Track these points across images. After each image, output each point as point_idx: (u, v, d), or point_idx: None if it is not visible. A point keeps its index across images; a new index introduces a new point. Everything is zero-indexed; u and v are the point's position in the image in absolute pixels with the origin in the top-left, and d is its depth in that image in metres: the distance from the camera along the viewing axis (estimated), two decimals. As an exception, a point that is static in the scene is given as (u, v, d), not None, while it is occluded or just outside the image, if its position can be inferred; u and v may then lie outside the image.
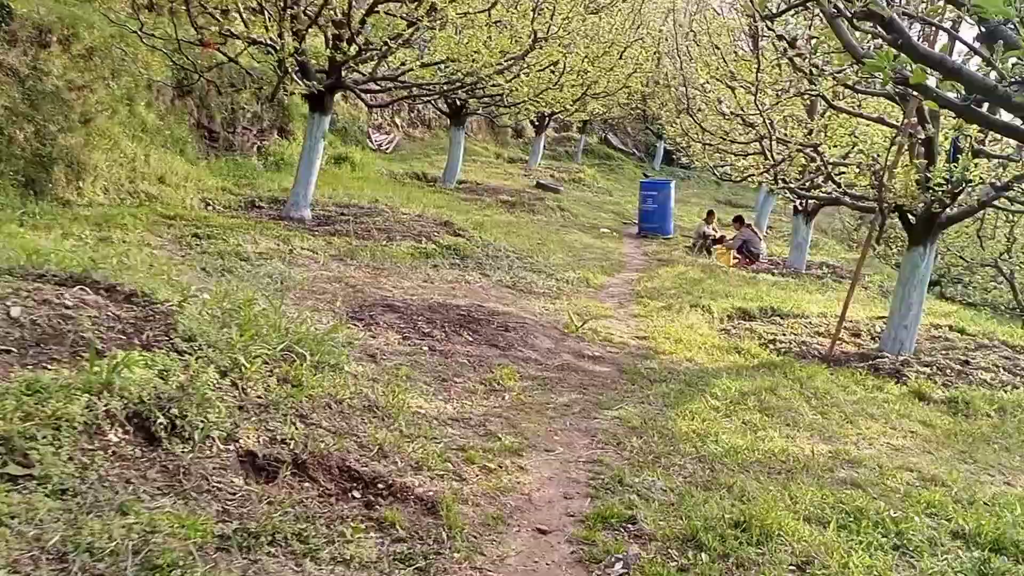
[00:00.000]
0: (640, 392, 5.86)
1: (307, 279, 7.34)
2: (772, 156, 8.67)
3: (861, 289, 13.90)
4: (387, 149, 21.82)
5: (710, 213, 16.82)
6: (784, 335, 9.02)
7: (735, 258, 15.79)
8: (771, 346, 8.43)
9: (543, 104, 18.69)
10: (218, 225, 8.90)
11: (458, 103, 17.18)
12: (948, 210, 7.82)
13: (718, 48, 10.50)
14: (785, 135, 8.29)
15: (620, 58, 22.70)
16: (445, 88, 10.62)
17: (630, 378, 6.21)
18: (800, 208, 15.10)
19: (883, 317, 10.28)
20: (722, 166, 14.96)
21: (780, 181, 9.80)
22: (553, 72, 16.60)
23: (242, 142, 15.36)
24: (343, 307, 6.56)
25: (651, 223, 17.14)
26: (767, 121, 7.76)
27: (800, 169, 10.57)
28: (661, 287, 10.98)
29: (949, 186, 7.18)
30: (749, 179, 12.55)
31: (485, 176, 21.00)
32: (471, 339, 6.44)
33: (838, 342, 8.92)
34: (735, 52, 10.81)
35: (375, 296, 7.21)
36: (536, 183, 21.33)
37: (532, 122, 24.49)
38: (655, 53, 28.21)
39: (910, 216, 7.88)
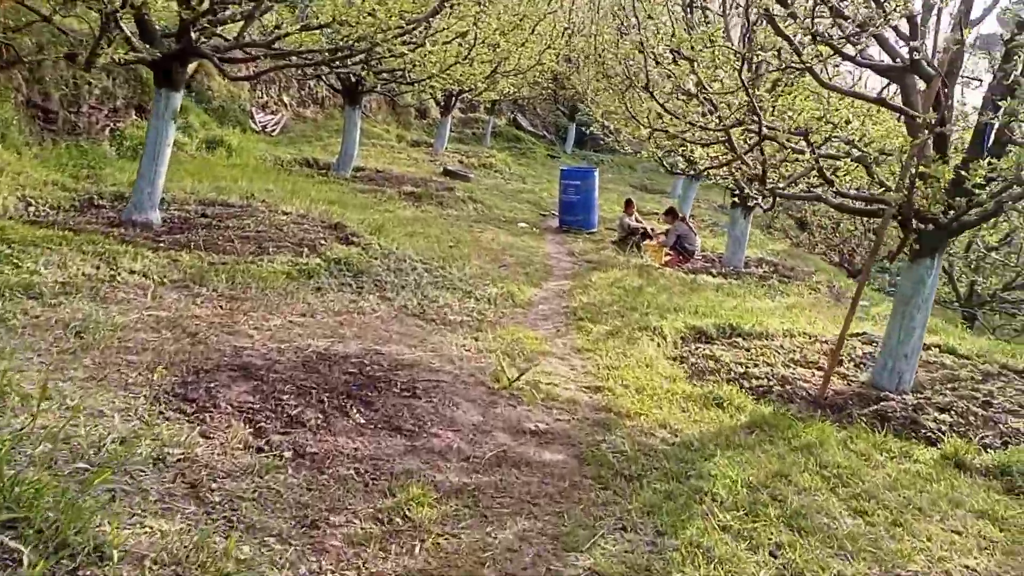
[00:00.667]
0: (615, 505, 3.97)
1: (122, 326, 5.10)
2: (739, 147, 6.97)
3: (810, 292, 12.53)
4: (273, 131, 19.24)
5: (628, 203, 15.15)
6: (755, 365, 7.35)
7: (668, 254, 14.22)
8: (747, 384, 6.73)
9: (451, 81, 16.58)
10: (17, 239, 6.48)
11: (353, 79, 14.87)
12: (966, 215, 6.25)
13: (672, 13, 8.69)
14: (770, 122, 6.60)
15: (532, 32, 20.81)
16: (331, 58, 8.40)
17: (595, 473, 4.31)
18: (739, 201, 13.61)
19: (860, 334, 8.79)
20: (669, 155, 13.24)
21: (747, 179, 8.05)
22: (462, 45, 14.53)
23: (89, 124, 12.68)
24: (167, 378, 4.39)
25: (574, 216, 15.35)
26: (750, 102, 5.98)
27: (767, 162, 8.85)
28: (599, 302, 9.16)
29: (991, 185, 5.60)
30: (708, 173, 10.85)
31: (387, 162, 18.74)
32: (363, 421, 4.40)
33: (822, 374, 7.31)
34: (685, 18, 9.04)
35: (224, 350, 5.05)
36: (444, 169, 19.24)
37: (437, 102, 22.31)
38: (566, 29, 26.48)
39: (923, 223, 6.27)
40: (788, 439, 5.29)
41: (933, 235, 6.40)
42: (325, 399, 4.53)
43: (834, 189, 6.53)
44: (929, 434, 5.83)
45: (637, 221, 14.77)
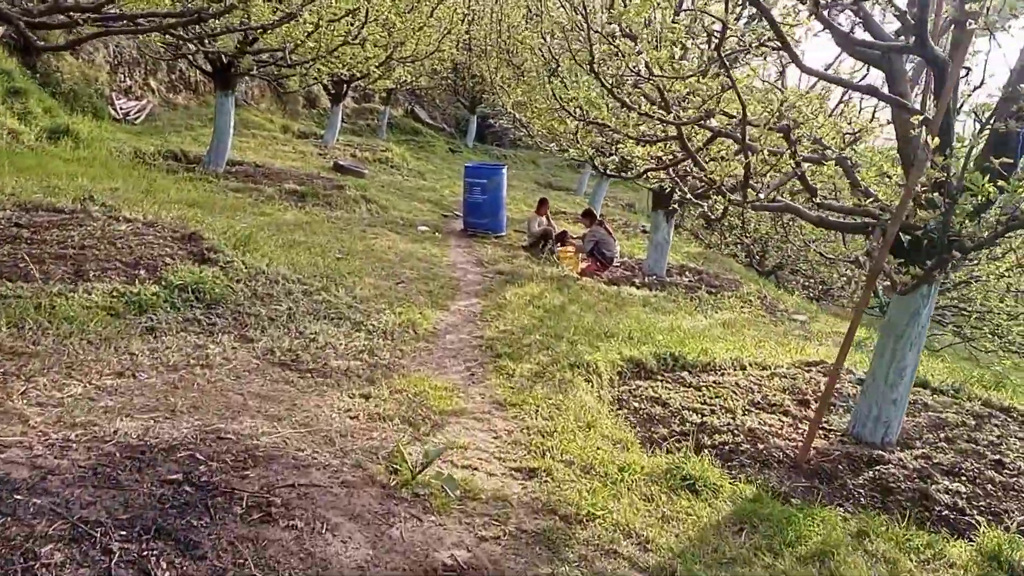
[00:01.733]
0: None
1: None
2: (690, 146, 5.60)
3: (743, 305, 11.45)
4: (137, 119, 16.83)
5: (542, 202, 13.71)
6: (712, 411, 6.03)
7: (584, 260, 12.90)
8: (709, 441, 5.38)
9: (340, 65, 14.73)
10: None
11: (224, 60, 12.81)
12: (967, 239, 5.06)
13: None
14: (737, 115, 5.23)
15: (431, 16, 19.14)
16: (176, 22, 6.52)
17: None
18: (660, 204, 12.41)
19: (818, 364, 7.63)
20: (599, 154, 11.80)
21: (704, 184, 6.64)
22: (351, 24, 12.72)
23: None
24: None
25: (480, 218, 13.80)
26: (719, 89, 4.59)
27: (750, 167, 7.59)
28: (518, 328, 7.66)
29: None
30: (647, 177, 9.49)
31: (268, 155, 16.66)
32: (175, 585, 2.73)
33: (790, 421, 6.06)
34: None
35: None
36: (334, 164, 17.33)
37: (327, 89, 20.29)
38: (466, 16, 24.93)
39: (928, 243, 5.05)
40: (791, 543, 3.92)
41: (928, 255, 5.19)
42: (115, 547, 2.82)
43: (816, 200, 5.23)
44: (947, 513, 4.60)
45: (550, 223, 13.36)
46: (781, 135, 4.96)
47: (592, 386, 6.23)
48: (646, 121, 6.92)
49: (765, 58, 7.96)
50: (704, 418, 5.86)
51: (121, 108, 16.66)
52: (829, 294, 20.16)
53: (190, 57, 13.09)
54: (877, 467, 5.12)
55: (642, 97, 7.01)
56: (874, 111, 7.30)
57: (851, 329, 5.04)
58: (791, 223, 18.31)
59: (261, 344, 5.54)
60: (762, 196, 5.61)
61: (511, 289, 9.57)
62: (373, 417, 4.68)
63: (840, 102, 8.18)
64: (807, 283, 20.50)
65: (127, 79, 17.77)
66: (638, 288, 11.50)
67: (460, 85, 29.24)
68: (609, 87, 6.10)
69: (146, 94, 18.23)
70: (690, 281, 12.49)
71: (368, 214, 13.00)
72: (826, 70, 6.46)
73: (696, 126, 5.53)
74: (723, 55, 4.43)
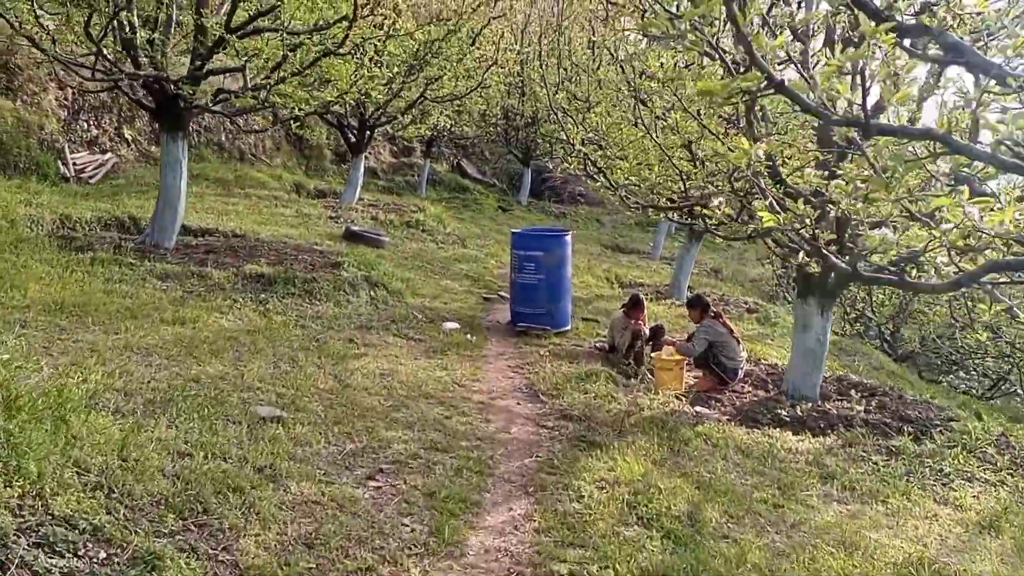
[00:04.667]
0: None
1: None
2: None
3: (985, 466, 6.83)
4: (93, 177, 13.18)
5: (636, 304, 9.13)
6: None
7: (690, 370, 8.50)
8: None
9: (353, 94, 10.72)
10: None
11: (171, 90, 8.95)
12: None
13: None
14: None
15: (473, 44, 15.30)
16: None
17: None
18: (814, 287, 7.96)
19: None
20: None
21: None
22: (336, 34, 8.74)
23: None
24: None
25: (534, 307, 9.50)
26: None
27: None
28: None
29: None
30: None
31: (258, 221, 12.75)
32: None
33: None
34: None
35: None
36: (346, 231, 13.34)
37: (346, 137, 16.49)
38: (519, 53, 21.15)
39: None
40: None
41: None
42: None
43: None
44: None
45: (642, 327, 8.94)
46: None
47: None
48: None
49: None
50: None
51: (75, 164, 13.05)
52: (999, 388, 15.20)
53: (125, 89, 9.29)
54: None
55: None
56: None
57: None
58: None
59: None
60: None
61: (588, 464, 5.19)
62: None
63: None
64: (964, 373, 15.55)
65: (92, 128, 14.23)
66: (791, 429, 7.02)
67: (512, 134, 25.39)
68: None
69: (118, 146, 14.66)
70: (866, 409, 7.89)
71: (369, 307, 8.82)
72: None
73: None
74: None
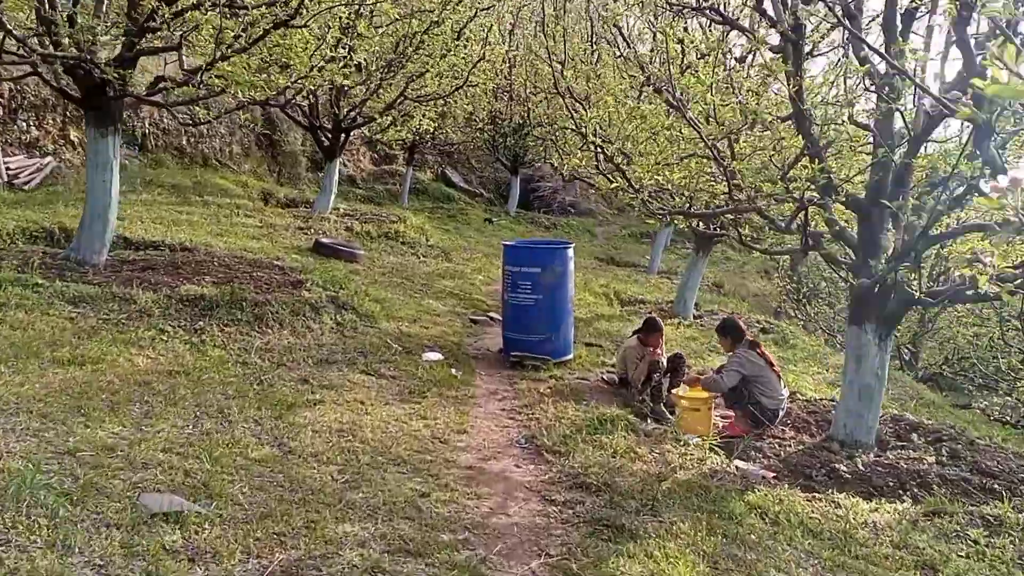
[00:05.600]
0: None
1: None
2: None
3: None
4: (28, 183, 11.64)
5: (651, 327, 7.64)
6: None
7: (724, 418, 7.09)
8: None
9: (314, 80, 9.21)
10: None
11: (97, 75, 7.43)
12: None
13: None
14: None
15: (458, 39, 13.93)
16: None
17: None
18: (870, 312, 6.58)
19: None
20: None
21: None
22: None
23: None
24: None
25: (529, 333, 8.04)
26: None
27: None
28: None
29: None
30: None
31: (215, 232, 11.23)
32: None
33: None
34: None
35: None
36: (315, 243, 11.85)
37: (319, 141, 14.99)
38: (508, 51, 19.85)
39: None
40: None
41: None
42: None
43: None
44: None
45: (659, 359, 7.50)
46: None
47: None
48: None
49: None
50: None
51: (8, 168, 11.50)
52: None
53: (46, 76, 7.78)
54: None
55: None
56: None
57: None
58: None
59: None
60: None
61: (618, 565, 3.74)
62: None
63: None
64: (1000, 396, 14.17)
65: (32, 128, 12.68)
66: (857, 490, 5.61)
67: (499, 140, 23.97)
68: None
69: (62, 150, 13.12)
70: (938, 460, 6.46)
71: (333, 336, 7.32)
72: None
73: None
74: None
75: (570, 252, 8.39)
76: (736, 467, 5.87)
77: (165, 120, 16.04)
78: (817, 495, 5.44)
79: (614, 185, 7.52)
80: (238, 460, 4.11)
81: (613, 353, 9.24)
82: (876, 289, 6.44)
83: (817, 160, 5.68)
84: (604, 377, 7.90)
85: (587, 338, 9.64)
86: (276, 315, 7.21)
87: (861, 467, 6.14)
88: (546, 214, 26.39)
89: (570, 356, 8.36)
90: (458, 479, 4.60)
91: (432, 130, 18.00)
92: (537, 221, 24.81)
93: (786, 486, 5.53)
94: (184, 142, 16.48)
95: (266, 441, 4.47)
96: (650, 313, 8.64)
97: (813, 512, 5.03)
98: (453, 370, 7.10)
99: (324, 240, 11.91)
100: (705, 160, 6.03)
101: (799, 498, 5.18)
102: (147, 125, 15.64)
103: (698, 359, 9.23)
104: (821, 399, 8.24)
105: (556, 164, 14.50)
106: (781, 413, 7.03)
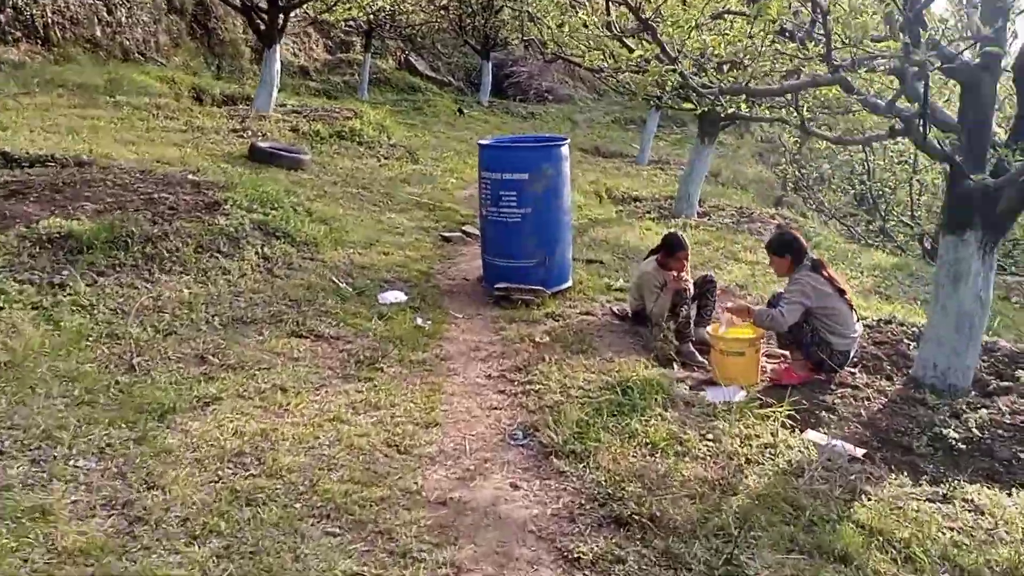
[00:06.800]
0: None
1: None
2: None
3: None
4: None
5: (673, 246, 5.77)
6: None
7: (783, 362, 5.43)
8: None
9: None
10: None
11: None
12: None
13: None
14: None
15: None
16: None
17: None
18: (970, 216, 4.84)
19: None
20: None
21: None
22: None
23: None
24: None
25: (517, 258, 6.22)
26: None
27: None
28: None
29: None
30: None
31: (126, 139, 9.14)
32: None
33: None
34: None
35: None
36: (251, 148, 9.80)
37: (252, 23, 12.60)
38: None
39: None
40: None
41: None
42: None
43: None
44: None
45: (685, 281, 5.74)
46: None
47: None
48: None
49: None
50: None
51: None
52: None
53: None
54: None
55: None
56: None
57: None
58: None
59: None
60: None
61: None
62: None
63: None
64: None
65: None
66: (981, 469, 4.02)
67: (467, 21, 21.35)
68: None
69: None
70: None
71: (257, 278, 5.47)
72: None
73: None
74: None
75: (564, 150, 6.49)
76: (813, 443, 4.23)
77: (72, 6, 13.57)
78: (939, 491, 3.83)
79: (635, 55, 5.50)
80: (43, 537, 2.35)
81: (619, 271, 7.51)
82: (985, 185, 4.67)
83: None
84: (615, 309, 6.17)
85: (584, 253, 7.88)
86: (176, 254, 5.32)
87: (975, 429, 4.53)
88: (522, 102, 24.05)
89: (568, 283, 6.59)
90: (424, 526, 2.89)
91: (389, 9, 15.53)
92: (513, 111, 22.54)
93: (888, 472, 3.92)
94: (98, 33, 14.02)
95: (101, 499, 2.71)
96: (672, 231, 6.77)
97: (950, 529, 3.41)
98: (419, 319, 5.32)
99: (261, 144, 9.84)
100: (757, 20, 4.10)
101: (926, 507, 3.55)
102: (49, 13, 13.17)
103: (719, 272, 7.43)
104: (880, 320, 6.58)
105: (538, 37, 12.26)
106: (852, 354, 5.36)
